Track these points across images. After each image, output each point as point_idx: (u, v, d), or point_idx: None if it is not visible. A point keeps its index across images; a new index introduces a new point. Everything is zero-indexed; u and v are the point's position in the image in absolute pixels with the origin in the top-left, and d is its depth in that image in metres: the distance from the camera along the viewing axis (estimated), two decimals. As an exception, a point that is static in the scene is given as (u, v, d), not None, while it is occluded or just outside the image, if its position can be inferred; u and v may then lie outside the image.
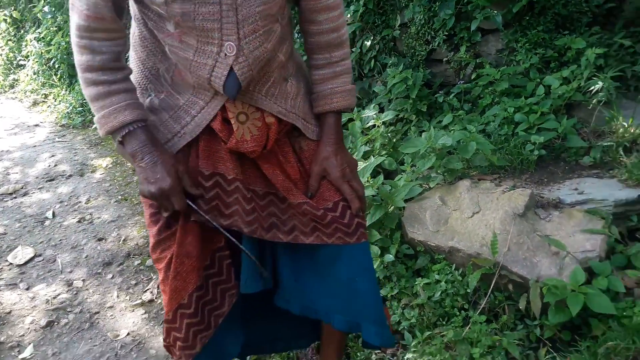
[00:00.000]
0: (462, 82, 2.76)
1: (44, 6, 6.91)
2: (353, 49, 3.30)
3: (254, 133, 1.15)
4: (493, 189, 2.00)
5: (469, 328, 1.64)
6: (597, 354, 1.42)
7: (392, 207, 2.13)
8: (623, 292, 1.53)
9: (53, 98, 6.20)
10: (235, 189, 1.17)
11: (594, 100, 2.16)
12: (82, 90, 1.12)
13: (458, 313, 1.76)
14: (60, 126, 5.40)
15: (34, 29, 7.32)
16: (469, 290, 1.76)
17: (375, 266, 1.99)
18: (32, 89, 6.80)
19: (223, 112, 1.15)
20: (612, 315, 1.47)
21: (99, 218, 3.27)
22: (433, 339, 1.68)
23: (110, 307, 2.36)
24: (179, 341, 1.19)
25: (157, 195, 1.11)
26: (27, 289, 2.55)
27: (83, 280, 2.60)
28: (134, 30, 1.18)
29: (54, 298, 2.45)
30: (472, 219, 1.92)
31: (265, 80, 1.15)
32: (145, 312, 2.30)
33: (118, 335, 2.16)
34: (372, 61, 3.21)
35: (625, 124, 2.05)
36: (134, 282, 2.55)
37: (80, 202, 3.53)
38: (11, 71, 7.71)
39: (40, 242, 3.01)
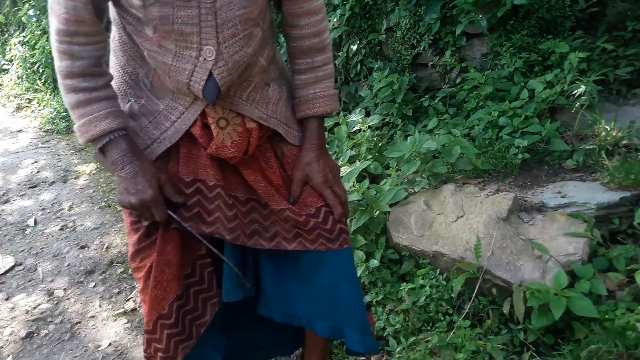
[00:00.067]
0: (447, 86, 2.76)
1: (28, 9, 6.84)
2: (339, 53, 3.29)
3: (234, 138, 1.14)
4: (477, 193, 2.00)
5: (454, 333, 1.63)
6: (580, 358, 1.42)
7: (377, 212, 2.12)
8: (605, 295, 1.53)
9: (37, 103, 6.13)
10: (217, 196, 1.16)
11: (577, 104, 2.17)
12: (63, 98, 1.09)
13: (442, 318, 1.75)
14: (44, 132, 5.34)
15: (18, 32, 7.24)
16: (453, 295, 1.75)
17: (360, 271, 1.98)
18: (16, 94, 6.71)
19: (203, 118, 1.13)
20: (595, 318, 1.47)
21: (81, 225, 3.22)
22: (418, 344, 1.67)
23: (92, 316, 2.32)
24: (160, 352, 1.16)
25: (138, 206, 1.09)
26: (7, 299, 2.50)
27: (64, 290, 2.55)
28: (114, 34, 1.16)
29: (34, 308, 2.40)
30: (457, 223, 1.91)
31: (246, 85, 1.13)
32: (127, 322, 2.26)
33: (99, 346, 2.12)
34: (359, 65, 3.20)
35: (607, 127, 2.07)
36: (116, 290, 2.51)
37: (62, 209, 3.48)
38: (-5, 76, 7.62)
39: (21, 251, 2.96)
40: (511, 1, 2.43)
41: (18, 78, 6.89)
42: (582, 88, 2.14)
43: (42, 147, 4.86)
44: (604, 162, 1.96)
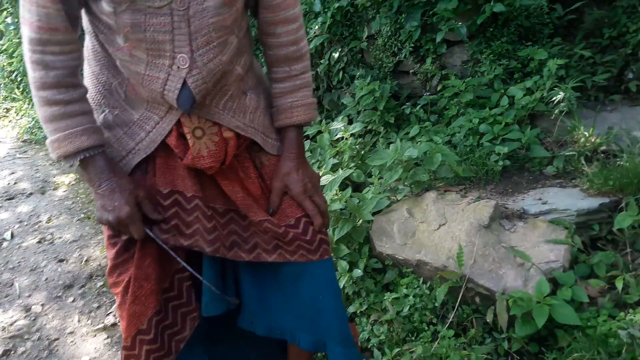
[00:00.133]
0: (428, 93, 2.77)
1: (6, 17, 6.73)
2: (321, 61, 3.29)
3: (211, 148, 1.12)
4: (458, 201, 2.00)
5: (438, 343, 1.62)
6: (564, 366, 1.42)
7: (360, 221, 2.11)
8: (587, 302, 1.54)
9: (15, 112, 6.03)
10: (195, 207, 1.14)
11: (556, 111, 2.19)
12: (36, 110, 1.07)
13: (427, 328, 1.74)
14: (22, 142, 5.25)
15: (-5, 41, 7.13)
16: (437, 304, 1.75)
17: (344, 282, 1.96)
18: (-6, 103, 6.60)
19: (179, 127, 1.11)
20: (577, 325, 1.47)
21: (60, 238, 3.15)
22: (402, 355, 1.66)
23: (71, 332, 2.27)
24: None
25: (115, 224, 1.07)
26: (-18, 315, 2.43)
27: (42, 305, 2.49)
28: (87, 43, 1.14)
29: (11, 325, 2.34)
30: (439, 231, 1.91)
31: (223, 93, 1.11)
32: (107, 337, 2.21)
33: (78, 362, 2.07)
34: (341, 73, 3.20)
35: (586, 133, 2.09)
36: (96, 305, 2.46)
37: (40, 221, 3.41)
38: (-28, 85, 7.47)
39: (-2, 265, 2.89)
40: (490, 8, 2.45)
41: (-5, 87, 6.78)
42: (561, 95, 2.16)
43: (19, 157, 4.77)
44: (583, 168, 1.97)
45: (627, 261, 1.66)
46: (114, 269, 1.16)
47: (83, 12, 1.07)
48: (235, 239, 1.21)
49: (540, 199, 1.89)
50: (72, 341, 2.21)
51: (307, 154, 2.80)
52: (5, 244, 3.14)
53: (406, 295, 1.80)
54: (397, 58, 2.89)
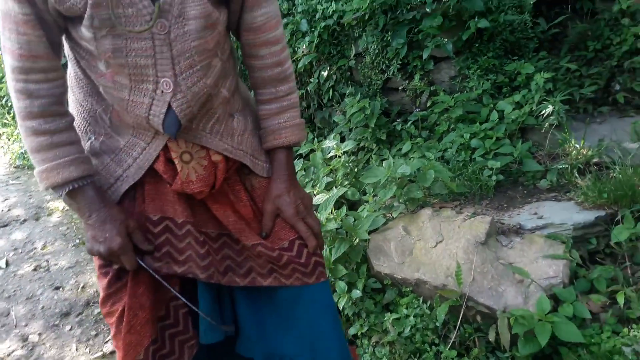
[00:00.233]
0: (418, 109, 2.79)
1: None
2: (311, 80, 3.31)
3: (199, 173, 1.11)
4: (454, 217, 2.01)
5: (440, 364, 1.62)
6: (568, 384, 1.42)
7: (356, 240, 2.11)
8: (589, 318, 1.54)
9: (7, 138, 5.98)
10: (187, 233, 1.12)
11: (546, 124, 2.21)
12: (23, 140, 1.05)
13: (429, 348, 1.73)
14: (15, 167, 5.20)
15: (-17, 67, 7.09)
16: (438, 324, 1.74)
17: (343, 303, 1.96)
18: (-16, 130, 6.54)
19: (166, 152, 1.10)
20: (581, 343, 1.47)
21: (55, 265, 3.12)
22: (405, 377, 1.65)
23: (69, 362, 2.24)
24: None
25: (106, 255, 1.06)
26: (-22, 348, 2.39)
27: (39, 334, 2.46)
28: (70, 70, 1.13)
29: (8, 355, 2.31)
30: (436, 248, 1.92)
31: (209, 116, 1.11)
32: (106, 366, 2.19)
33: (77, 394, 2.04)
34: (331, 91, 3.22)
35: (577, 146, 2.11)
36: (93, 332, 2.43)
37: (35, 248, 3.37)
38: (-39, 111, 7.41)
39: (-7, 295, 2.85)
40: (475, 24, 2.48)
41: (-15, 113, 6.72)
42: (550, 108, 2.19)
43: (12, 183, 4.72)
44: (576, 181, 1.99)
45: (627, 275, 1.67)
46: (107, 299, 1.13)
47: (64, 39, 1.06)
48: (229, 263, 1.19)
49: (535, 214, 1.90)
50: (70, 372, 2.18)
51: (301, 173, 2.81)
52: (0, 272, 3.10)
53: (407, 316, 1.80)
54: (386, 75, 2.92)
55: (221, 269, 1.17)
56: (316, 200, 2.31)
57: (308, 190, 2.57)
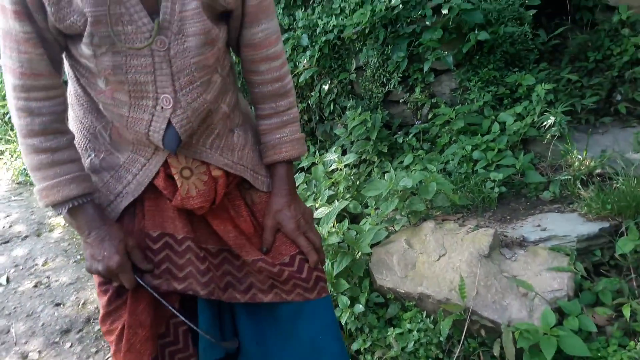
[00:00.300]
0: (419, 122, 2.79)
1: (-3, 61, 6.77)
2: (312, 93, 3.32)
3: (200, 188, 1.11)
4: (457, 230, 1.99)
5: (445, 379, 1.59)
6: (575, 399, 1.39)
7: (358, 254, 2.09)
8: (595, 332, 1.51)
9: (9, 154, 6.00)
10: (187, 249, 1.11)
11: (548, 135, 2.20)
12: (23, 158, 1.05)
13: (433, 363, 1.71)
14: (17, 183, 5.21)
15: (-13, 84, 7.15)
16: (442, 339, 1.72)
17: (345, 318, 1.93)
18: (-13, 146, 6.58)
19: (166, 168, 1.10)
20: (587, 357, 1.44)
21: (56, 281, 3.10)
22: (409, 393, 1.62)
23: (69, 381, 2.22)
24: None
25: (105, 273, 1.05)
26: (-22, 366, 2.37)
27: (39, 352, 2.43)
28: (70, 88, 1.14)
29: (7, 374, 2.29)
30: (439, 262, 1.90)
31: (209, 132, 1.11)
32: (106, 384, 2.16)
33: (77, 413, 2.02)
34: (332, 104, 3.23)
35: (579, 157, 2.10)
36: (94, 350, 2.41)
37: (36, 264, 3.36)
38: (-36, 128, 7.46)
39: (-7, 312, 2.83)
40: (475, 37, 2.49)
41: (-12, 129, 6.76)
42: (552, 119, 2.18)
43: (14, 199, 4.73)
44: (580, 192, 1.97)
45: (632, 287, 1.65)
46: (106, 317, 1.13)
47: (64, 57, 1.06)
48: (229, 279, 1.18)
49: (539, 226, 1.88)
50: (70, 391, 2.16)
51: (303, 186, 2.80)
52: (0, 289, 3.09)
53: (410, 330, 1.78)
54: (387, 88, 2.92)
55: (222, 285, 1.16)
56: (318, 213, 2.30)
57: (310, 203, 2.56)
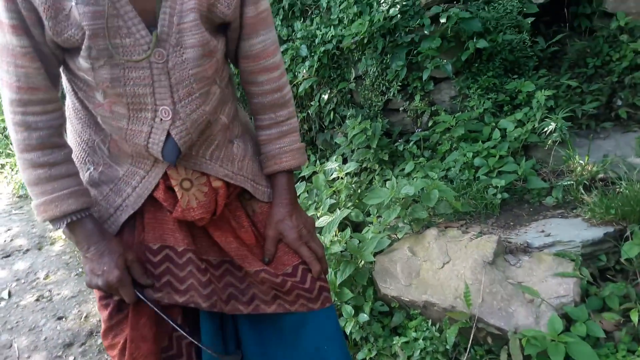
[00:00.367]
0: (419, 130, 2.80)
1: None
2: (312, 103, 3.33)
3: (200, 199, 1.10)
4: (460, 237, 1.99)
5: (452, 388, 1.58)
6: (585, 406, 1.37)
7: (362, 262, 2.08)
8: (604, 337, 1.50)
9: (10, 168, 6.00)
10: (188, 261, 1.10)
11: (549, 141, 2.21)
12: (20, 173, 1.04)
13: (439, 372, 1.69)
14: (18, 197, 5.20)
15: (-13, 98, 7.17)
16: (448, 347, 1.70)
17: (350, 327, 1.92)
18: (-13, 160, 6.58)
19: (166, 180, 1.10)
20: (596, 363, 1.43)
21: (58, 294, 3.09)
22: (416, 403, 1.61)
23: (72, 395, 2.19)
24: None
25: (105, 288, 1.04)
26: (-21, 382, 2.35)
27: (42, 367, 2.42)
28: (68, 101, 1.14)
29: (10, 390, 2.27)
30: (443, 269, 1.89)
31: (209, 143, 1.11)
32: (109, 398, 2.14)
33: None
34: (332, 113, 3.24)
35: (581, 162, 2.10)
36: (97, 364, 2.39)
37: (38, 278, 3.35)
38: (-36, 142, 7.47)
39: (-4, 327, 2.81)
40: (473, 45, 2.50)
41: (-11, 143, 6.77)
42: (552, 125, 2.19)
43: (15, 213, 4.72)
44: (583, 197, 1.97)
45: (639, 292, 1.64)
46: (108, 331, 1.12)
47: (61, 71, 1.06)
48: (232, 291, 1.17)
49: (543, 231, 1.88)
50: (73, 406, 2.13)
51: (304, 195, 2.80)
52: (2, 303, 3.07)
53: (416, 339, 1.76)
54: (386, 97, 2.93)
55: (224, 297, 1.15)
56: (320, 222, 2.30)
57: (311, 212, 2.56)
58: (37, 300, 3.05)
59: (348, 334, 1.93)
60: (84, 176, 1.12)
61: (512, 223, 2.05)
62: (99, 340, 2.55)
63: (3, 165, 6.24)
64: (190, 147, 1.06)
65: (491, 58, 2.61)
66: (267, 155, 1.21)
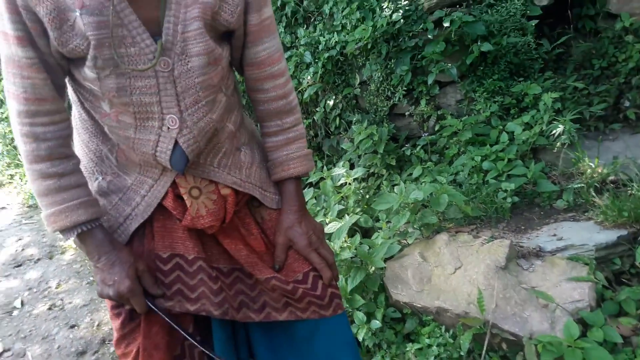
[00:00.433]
0: (426, 134, 2.80)
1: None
2: (317, 109, 3.33)
3: (209, 207, 1.10)
4: (471, 242, 1.99)
5: (468, 394, 1.58)
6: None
7: (372, 268, 2.08)
8: (621, 342, 1.49)
9: (19, 178, 6.03)
10: (199, 269, 1.10)
11: (558, 144, 2.20)
12: (29, 184, 1.04)
13: (454, 378, 1.69)
14: (28, 207, 5.23)
15: (-4, 108, 7.21)
16: (462, 353, 1.70)
17: (362, 334, 1.92)
18: (-3, 171, 6.61)
19: (174, 189, 1.10)
20: (614, 368, 1.43)
21: (70, 303, 3.11)
22: (431, 409, 1.61)
23: (86, 405, 2.20)
24: None
25: (116, 298, 1.05)
26: (-5, 392, 2.37)
27: (55, 376, 2.43)
28: (74, 112, 1.14)
29: (25, 399, 2.28)
30: (455, 275, 1.89)
31: (216, 151, 1.11)
32: (124, 408, 2.14)
33: None
34: (337, 119, 3.24)
35: (591, 164, 2.09)
36: (110, 372, 2.40)
37: (50, 287, 3.37)
38: (-27, 153, 7.51)
39: (9, 335, 2.82)
40: (478, 48, 2.50)
41: (-1, 154, 6.80)
42: (561, 127, 2.18)
43: (26, 223, 4.75)
44: (594, 200, 1.96)
45: (655, 296, 1.63)
46: (121, 340, 1.12)
47: (67, 81, 1.06)
48: (243, 299, 1.17)
49: (555, 235, 1.87)
50: (88, 416, 2.14)
51: (312, 202, 2.80)
52: (15, 312, 3.09)
53: (429, 345, 1.76)
54: (392, 101, 2.93)
55: (235, 304, 1.15)
56: (328, 228, 2.30)
57: (320, 219, 2.56)
58: (50, 309, 3.06)
59: (360, 340, 1.93)
60: (93, 186, 1.13)
61: (523, 227, 2.04)
62: (112, 349, 2.56)
63: (12, 176, 6.27)
64: (198, 155, 1.07)
65: (496, 61, 2.61)
66: (274, 162, 1.21)
